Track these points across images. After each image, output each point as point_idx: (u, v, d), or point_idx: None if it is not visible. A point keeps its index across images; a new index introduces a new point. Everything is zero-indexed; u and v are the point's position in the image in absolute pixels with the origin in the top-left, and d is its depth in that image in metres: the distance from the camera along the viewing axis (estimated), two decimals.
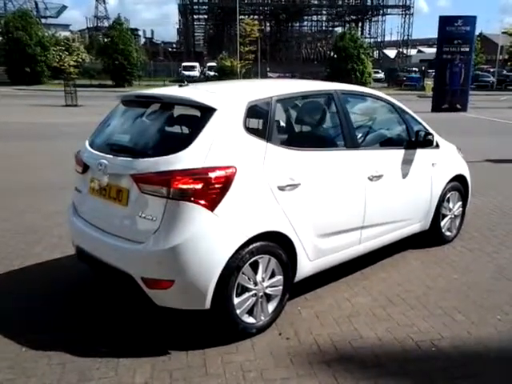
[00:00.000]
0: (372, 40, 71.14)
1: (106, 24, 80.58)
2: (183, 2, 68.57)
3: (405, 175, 4.24)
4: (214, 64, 49.18)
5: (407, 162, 4.27)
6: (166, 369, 2.88)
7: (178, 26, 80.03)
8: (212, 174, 2.92)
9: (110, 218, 3.26)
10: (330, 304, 3.70)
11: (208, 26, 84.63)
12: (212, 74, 47.93)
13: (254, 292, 3.19)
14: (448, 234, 4.98)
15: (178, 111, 3.31)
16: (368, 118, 4.55)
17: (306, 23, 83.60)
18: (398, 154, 4.23)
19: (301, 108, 4.07)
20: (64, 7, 68.00)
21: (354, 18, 71.90)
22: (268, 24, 76.28)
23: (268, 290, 3.29)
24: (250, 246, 3.09)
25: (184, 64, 52.10)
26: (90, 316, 3.48)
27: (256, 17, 70.98)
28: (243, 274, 3.10)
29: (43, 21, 65.72)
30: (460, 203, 5.04)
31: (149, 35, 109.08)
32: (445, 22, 21.81)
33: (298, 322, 3.44)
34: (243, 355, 3.03)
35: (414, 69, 54.83)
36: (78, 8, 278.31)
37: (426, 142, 4.28)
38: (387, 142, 4.40)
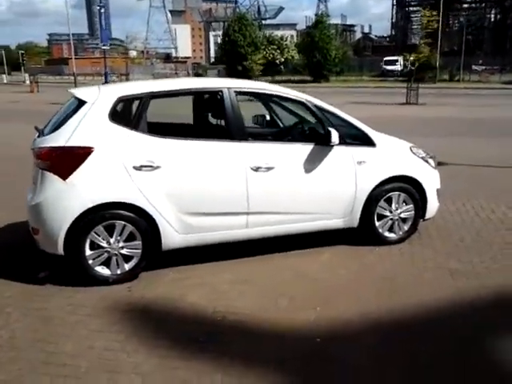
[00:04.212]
0: None
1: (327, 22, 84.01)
2: None
3: (310, 170, 4.39)
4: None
5: (314, 157, 4.40)
6: (28, 291, 3.94)
7: (393, 20, 78.26)
8: (67, 151, 3.85)
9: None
10: (196, 274, 4.24)
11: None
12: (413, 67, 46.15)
13: (107, 249, 4.00)
14: (389, 235, 4.82)
15: (74, 103, 4.26)
16: (268, 114, 4.74)
17: None
18: (301, 148, 4.40)
19: (179, 102, 4.59)
20: (281, 8, 73.55)
21: None
22: (493, 11, 69.03)
23: (124, 251, 4.05)
24: (102, 212, 3.91)
25: (386, 58, 51.31)
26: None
27: (478, 5, 65.14)
28: (96, 233, 3.94)
29: (268, 21, 71.88)
30: (410, 206, 4.79)
31: (367, 30, 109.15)
32: None
33: (155, 282, 4.11)
34: (83, 295, 3.88)
35: None
36: (312, 8, 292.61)
37: (325, 138, 4.32)
38: (287, 137, 4.59)
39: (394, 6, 72.37)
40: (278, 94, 4.60)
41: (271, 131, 5.00)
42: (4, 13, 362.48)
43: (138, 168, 3.95)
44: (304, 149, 4.41)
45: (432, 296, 3.79)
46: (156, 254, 4.19)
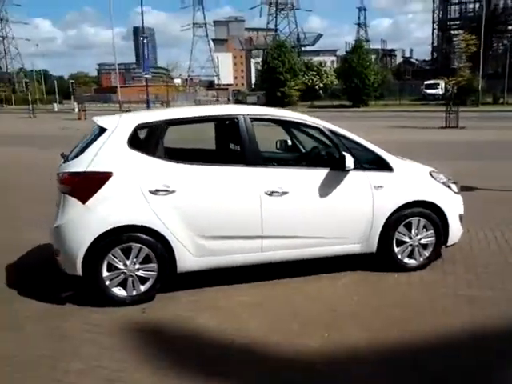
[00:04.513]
0: None
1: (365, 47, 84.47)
2: (439, 17, 66.68)
3: (325, 194, 4.39)
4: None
5: (330, 182, 4.40)
6: (49, 311, 4.09)
7: (434, 44, 77.49)
8: (87, 176, 4.02)
9: None
10: (211, 296, 4.28)
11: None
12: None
13: (123, 271, 4.10)
14: (409, 261, 4.72)
15: (96, 130, 4.44)
16: (285, 140, 4.77)
17: None
18: (316, 173, 4.41)
19: (194, 129, 4.70)
20: (319, 35, 74.52)
21: None
22: None
23: (140, 273, 4.14)
24: (120, 234, 4.04)
25: (426, 82, 50.76)
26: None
27: None
28: (113, 255, 4.06)
29: (308, 48, 72.77)
30: (431, 232, 4.69)
31: (409, 54, 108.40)
32: None
33: (169, 304, 4.18)
34: (100, 315, 3.98)
35: None
36: (353, 33, 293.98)
37: (339, 163, 4.32)
38: (302, 162, 4.61)
39: (435, 30, 72.10)
40: (294, 120, 4.67)
41: (286, 156, 5.05)
42: (60, 45, 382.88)
43: (154, 192, 4.06)
44: (319, 174, 4.42)
45: (445, 324, 3.69)
46: (171, 277, 4.26)
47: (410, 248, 4.70)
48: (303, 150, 5.44)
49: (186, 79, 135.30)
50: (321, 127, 4.57)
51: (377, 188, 4.51)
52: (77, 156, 4.22)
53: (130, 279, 4.14)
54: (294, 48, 58.58)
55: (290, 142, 5.56)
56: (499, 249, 5.36)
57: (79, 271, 4.06)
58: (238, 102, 65.01)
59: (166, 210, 4.09)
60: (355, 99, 46.07)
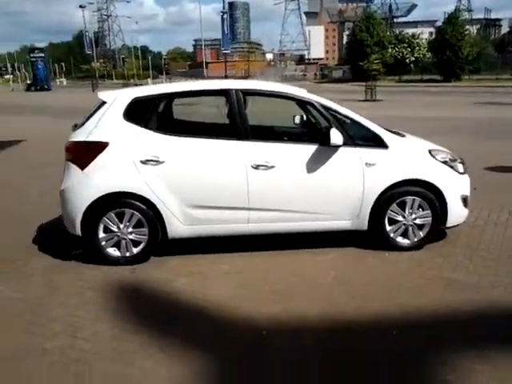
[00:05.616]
0: None
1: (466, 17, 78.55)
2: None
3: (312, 170, 4.41)
4: None
5: (317, 158, 4.40)
6: (53, 265, 4.58)
7: None
8: (86, 145, 4.40)
9: None
10: (197, 263, 4.52)
11: None
12: None
13: (117, 233, 4.47)
14: (402, 240, 4.62)
15: (99, 103, 4.76)
16: (275, 114, 4.75)
17: None
18: (304, 148, 4.43)
19: (187, 102, 4.84)
20: (413, 6, 70.22)
21: None
22: None
23: (132, 236, 4.49)
24: (114, 200, 4.39)
25: None
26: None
27: None
28: (108, 218, 4.43)
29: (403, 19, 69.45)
30: (427, 212, 4.53)
31: None
32: None
33: (158, 266, 4.48)
34: (94, 272, 4.40)
35: None
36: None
37: (326, 138, 4.29)
38: (291, 137, 4.61)
39: None
40: (286, 94, 4.68)
41: (278, 131, 5.07)
42: (161, 22, 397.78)
43: (145, 162, 4.34)
44: (308, 149, 4.43)
45: (409, 305, 3.62)
46: (163, 241, 4.56)
47: (403, 227, 4.60)
48: (287, 125, 5.43)
49: (277, 53, 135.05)
50: (313, 102, 4.56)
51: (368, 165, 4.43)
52: (81, 126, 4.61)
53: (124, 241, 4.49)
54: (384, 19, 56.05)
55: (305, 117, 5.57)
56: None
57: (79, 231, 4.48)
58: (324, 76, 64.14)
59: (156, 180, 4.36)
60: (447, 73, 43.36)
